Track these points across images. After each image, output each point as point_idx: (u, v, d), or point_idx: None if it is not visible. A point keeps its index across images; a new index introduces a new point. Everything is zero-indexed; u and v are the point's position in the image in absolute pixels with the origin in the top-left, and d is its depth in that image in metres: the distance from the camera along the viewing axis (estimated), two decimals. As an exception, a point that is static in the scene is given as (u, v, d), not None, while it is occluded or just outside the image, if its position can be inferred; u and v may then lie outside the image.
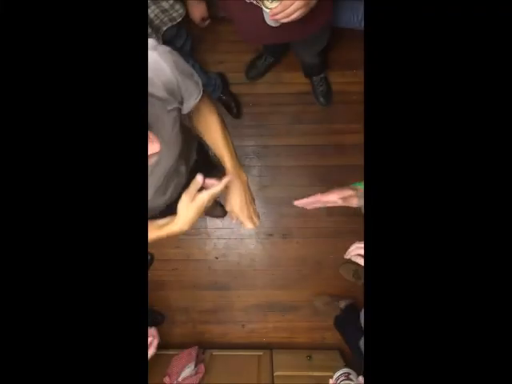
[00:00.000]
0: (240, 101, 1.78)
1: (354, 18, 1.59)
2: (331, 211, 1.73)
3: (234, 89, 1.79)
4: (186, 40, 1.50)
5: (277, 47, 1.65)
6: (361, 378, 0.79)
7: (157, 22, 1.21)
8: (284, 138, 1.80)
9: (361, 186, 0.72)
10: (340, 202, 0.70)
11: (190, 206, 0.64)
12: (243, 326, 1.93)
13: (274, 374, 1.60)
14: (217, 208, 1.76)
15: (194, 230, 1.88)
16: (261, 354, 1.72)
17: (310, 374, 1.58)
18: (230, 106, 1.74)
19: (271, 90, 1.79)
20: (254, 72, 1.74)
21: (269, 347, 1.78)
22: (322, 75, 1.70)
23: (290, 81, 1.78)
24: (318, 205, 0.73)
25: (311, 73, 1.69)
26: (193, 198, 0.64)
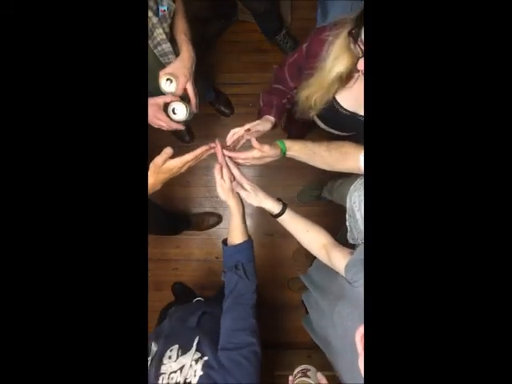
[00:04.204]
0: (240, 101, 1.78)
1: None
2: (331, 211, 1.72)
3: (234, 89, 1.79)
4: None
5: (225, 8, 1.67)
6: (319, 375, 0.80)
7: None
8: (284, 137, 1.80)
9: (278, 142, 0.83)
10: (258, 155, 0.80)
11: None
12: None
13: (274, 373, 1.60)
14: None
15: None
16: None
17: (310, 373, 1.58)
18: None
19: (271, 90, 1.79)
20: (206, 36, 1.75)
21: (269, 347, 1.77)
22: (283, 32, 1.70)
23: (290, 81, 1.78)
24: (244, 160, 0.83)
25: (272, 31, 1.70)
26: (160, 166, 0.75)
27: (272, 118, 0.94)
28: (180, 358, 0.69)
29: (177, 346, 0.73)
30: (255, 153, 0.80)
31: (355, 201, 1.07)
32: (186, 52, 0.94)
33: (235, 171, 0.83)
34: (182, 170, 0.79)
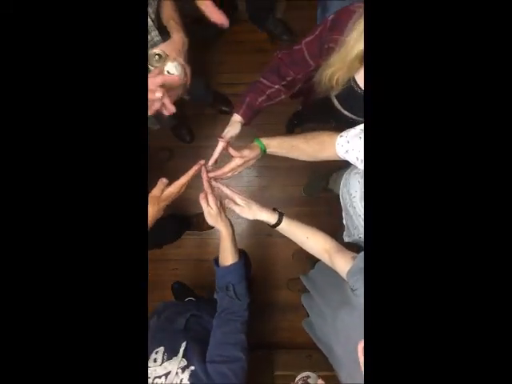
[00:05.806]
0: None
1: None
2: (332, 211, 1.72)
3: (234, 89, 1.79)
4: None
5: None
6: (320, 381, 0.80)
7: None
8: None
9: (257, 142, 0.85)
10: (240, 161, 0.83)
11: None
12: (243, 325, 1.92)
13: (274, 373, 1.60)
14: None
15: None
16: (261, 353, 1.71)
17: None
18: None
19: (271, 90, 1.79)
20: None
21: (269, 347, 1.77)
22: (271, 17, 1.69)
23: (290, 81, 1.78)
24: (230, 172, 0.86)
25: (261, 18, 1.68)
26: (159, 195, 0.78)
27: (239, 118, 0.93)
28: (165, 363, 0.70)
29: (162, 349, 0.73)
30: (237, 161, 0.82)
31: (346, 197, 1.07)
32: (177, 35, 0.91)
33: (225, 189, 0.85)
34: (180, 192, 0.82)
